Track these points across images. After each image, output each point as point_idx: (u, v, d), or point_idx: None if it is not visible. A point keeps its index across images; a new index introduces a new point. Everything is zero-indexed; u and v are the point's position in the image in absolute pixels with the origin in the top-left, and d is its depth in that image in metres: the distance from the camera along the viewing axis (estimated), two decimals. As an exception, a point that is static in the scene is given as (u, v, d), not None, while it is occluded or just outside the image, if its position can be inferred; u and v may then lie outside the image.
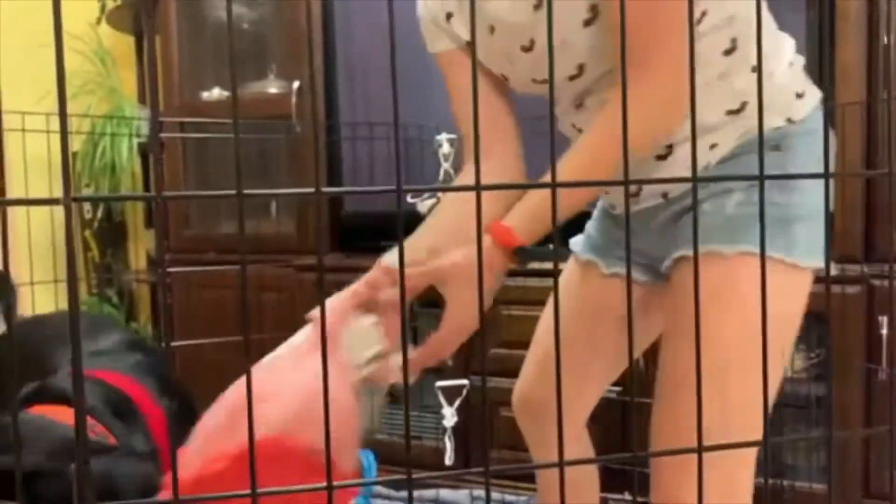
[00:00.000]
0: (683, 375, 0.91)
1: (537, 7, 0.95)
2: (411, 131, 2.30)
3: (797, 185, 0.92)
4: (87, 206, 3.03)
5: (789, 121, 0.95)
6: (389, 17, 0.46)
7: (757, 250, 0.89)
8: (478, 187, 0.46)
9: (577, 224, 1.15)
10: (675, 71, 0.85)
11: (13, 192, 2.11)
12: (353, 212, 2.44)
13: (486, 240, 0.87)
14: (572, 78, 0.97)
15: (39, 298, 2.07)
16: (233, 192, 0.41)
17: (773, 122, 0.94)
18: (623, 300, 1.06)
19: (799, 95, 0.97)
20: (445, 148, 2.23)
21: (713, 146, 0.96)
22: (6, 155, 0.53)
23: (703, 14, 0.91)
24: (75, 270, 0.36)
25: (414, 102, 2.26)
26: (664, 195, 1.02)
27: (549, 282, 1.98)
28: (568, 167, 0.86)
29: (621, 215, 1.13)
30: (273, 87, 2.59)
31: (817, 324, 1.81)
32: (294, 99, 2.45)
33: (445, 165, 2.23)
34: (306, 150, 2.46)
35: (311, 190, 0.42)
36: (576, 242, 1.22)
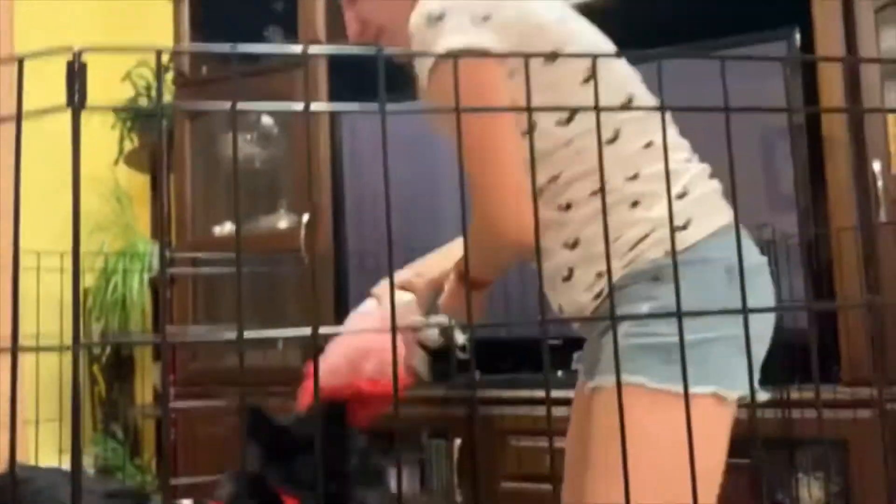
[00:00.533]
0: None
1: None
2: (419, 253, 2.34)
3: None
4: (94, 341, 3.05)
5: (667, 253, 0.98)
6: (384, 172, 0.49)
7: (636, 380, 0.94)
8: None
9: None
10: (491, 201, 0.97)
11: (25, 328, 2.15)
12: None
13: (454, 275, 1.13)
14: None
15: (44, 436, 2.05)
16: (233, 336, 0.43)
17: (651, 254, 0.99)
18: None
19: (682, 227, 0.99)
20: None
21: (599, 274, 1.03)
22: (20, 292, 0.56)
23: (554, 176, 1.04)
24: (79, 421, 0.38)
25: (421, 228, 2.31)
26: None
27: (560, 411, 1.95)
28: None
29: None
30: (283, 222, 2.67)
31: (836, 451, 1.78)
32: (303, 232, 2.51)
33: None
34: (314, 282, 2.50)
35: (308, 331, 0.43)
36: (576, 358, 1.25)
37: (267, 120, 2.77)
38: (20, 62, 0.46)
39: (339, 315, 2.47)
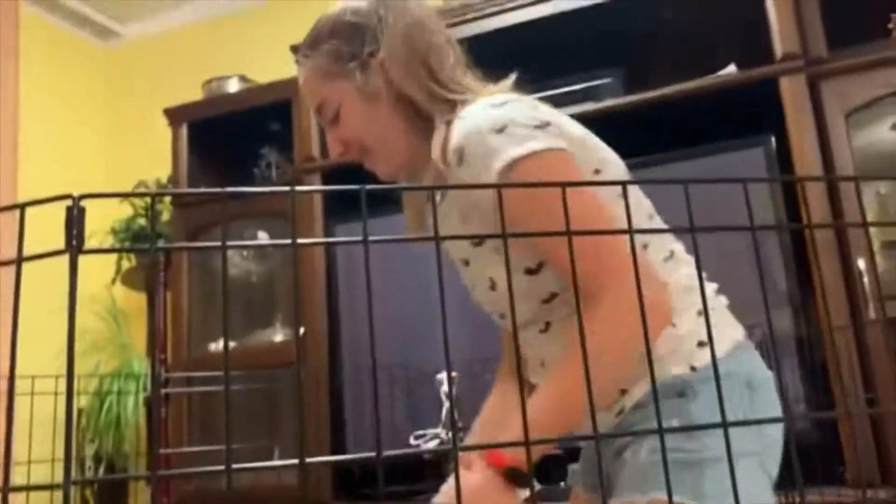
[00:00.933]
0: None
1: (477, 244, 1.06)
2: (414, 371, 2.34)
3: (706, 430, 0.93)
4: (88, 463, 2.99)
5: (692, 368, 0.98)
6: (368, 293, 0.52)
7: (664, 496, 0.91)
8: (455, 447, 0.49)
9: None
10: (619, 309, 0.90)
11: (18, 453, 2.12)
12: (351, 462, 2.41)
13: (482, 464, 0.91)
14: (546, 301, 1.04)
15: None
16: (222, 468, 0.43)
17: (676, 370, 0.98)
18: None
19: (701, 344, 0.99)
20: (446, 386, 2.25)
21: (623, 392, 1.01)
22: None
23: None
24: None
25: (415, 342, 2.32)
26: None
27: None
28: (537, 406, 0.89)
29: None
30: (279, 335, 2.67)
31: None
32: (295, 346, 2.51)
33: (447, 404, 2.25)
34: (310, 395, 2.48)
35: (296, 461, 0.44)
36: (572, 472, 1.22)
37: (263, 235, 2.83)
38: (22, 209, 0.49)
39: (335, 429, 2.44)
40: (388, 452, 0.46)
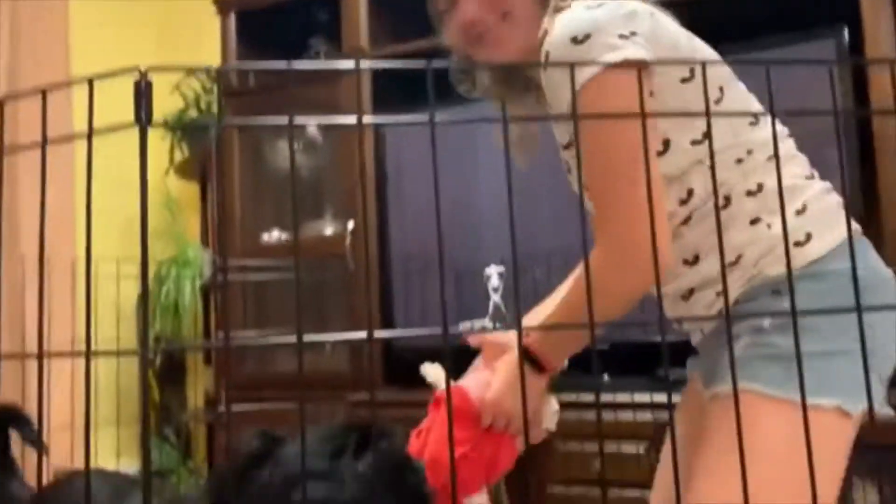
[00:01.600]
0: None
1: (565, 148, 1.13)
2: (461, 264, 2.36)
3: (801, 328, 0.92)
4: (150, 345, 3.13)
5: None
6: (433, 164, 0.51)
7: (758, 388, 0.93)
8: (520, 328, 0.49)
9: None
10: (630, 222, 0.93)
11: (83, 333, 2.23)
12: (404, 345, 2.48)
13: (513, 356, 1.05)
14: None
15: (102, 441, 2.11)
16: (292, 338, 0.44)
17: (772, 270, 0.99)
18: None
19: (798, 243, 0.99)
20: (494, 280, 2.27)
21: (719, 293, 1.03)
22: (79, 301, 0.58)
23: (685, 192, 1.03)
24: (148, 421, 0.40)
25: (463, 236, 2.32)
26: (701, 331, 1.10)
27: (608, 415, 1.95)
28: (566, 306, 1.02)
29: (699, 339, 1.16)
30: (329, 229, 2.71)
31: (892, 456, 1.73)
32: (348, 239, 2.55)
33: (495, 297, 2.27)
34: (360, 288, 2.53)
35: (364, 334, 0.45)
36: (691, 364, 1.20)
37: (312, 129, 2.82)
38: (90, 82, 0.49)
39: (385, 321, 2.50)
40: (454, 330, 0.47)
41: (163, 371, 3.14)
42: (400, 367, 2.47)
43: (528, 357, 1.02)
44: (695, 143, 1.01)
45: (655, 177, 0.95)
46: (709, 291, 1.04)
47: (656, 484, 1.19)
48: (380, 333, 0.45)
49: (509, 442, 1.08)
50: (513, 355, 1.06)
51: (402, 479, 0.77)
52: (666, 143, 1.01)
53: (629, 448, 1.89)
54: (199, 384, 3.18)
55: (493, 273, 2.27)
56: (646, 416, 1.92)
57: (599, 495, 1.80)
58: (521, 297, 0.56)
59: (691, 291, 1.06)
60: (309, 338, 0.45)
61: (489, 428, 1.06)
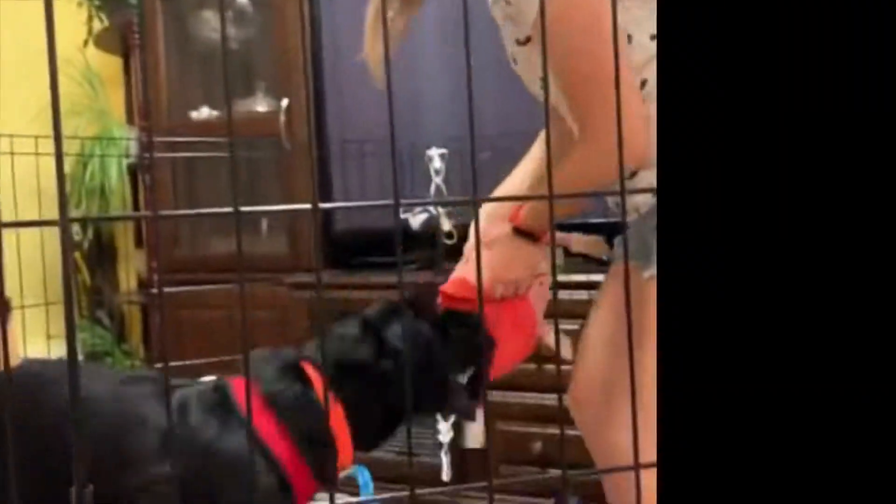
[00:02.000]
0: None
1: (521, 44, 1.15)
2: (402, 146, 2.30)
3: None
4: (76, 228, 3.01)
5: None
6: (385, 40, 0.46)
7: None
8: (475, 197, 0.46)
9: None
10: (612, 126, 0.95)
11: (4, 215, 2.10)
12: (344, 229, 2.44)
13: (508, 227, 1.12)
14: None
15: (30, 323, 2.05)
16: (229, 209, 0.41)
17: None
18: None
19: None
20: (436, 163, 2.23)
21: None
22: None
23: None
24: (72, 295, 0.36)
25: (403, 118, 2.26)
26: (637, 211, 1.16)
27: (586, 295, 1.97)
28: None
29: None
30: (261, 106, 2.59)
31: None
32: (283, 117, 2.45)
33: (437, 180, 2.24)
34: (295, 169, 2.46)
35: (308, 206, 0.42)
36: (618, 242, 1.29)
37: (243, 1, 2.65)
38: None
39: (323, 200, 2.45)
40: (405, 201, 0.43)
41: (92, 253, 3.04)
42: (338, 249, 2.44)
43: (520, 232, 1.11)
44: (653, 38, 1.06)
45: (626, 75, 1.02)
46: (650, 172, 1.07)
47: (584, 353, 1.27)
48: (325, 205, 0.41)
49: (526, 306, 1.17)
50: (502, 230, 1.13)
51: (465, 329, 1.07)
52: (629, 39, 1.06)
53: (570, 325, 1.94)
54: (130, 267, 3.11)
55: (435, 155, 2.23)
56: (582, 295, 1.96)
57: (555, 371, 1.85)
58: (469, 178, 0.53)
59: (634, 173, 1.11)
60: (247, 209, 0.41)
61: (502, 299, 1.15)
